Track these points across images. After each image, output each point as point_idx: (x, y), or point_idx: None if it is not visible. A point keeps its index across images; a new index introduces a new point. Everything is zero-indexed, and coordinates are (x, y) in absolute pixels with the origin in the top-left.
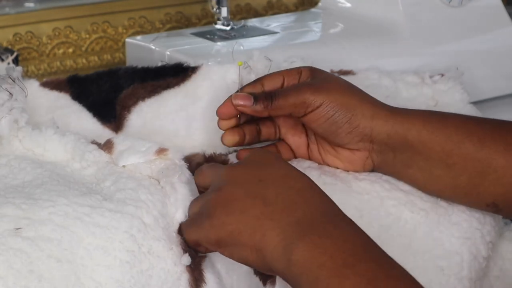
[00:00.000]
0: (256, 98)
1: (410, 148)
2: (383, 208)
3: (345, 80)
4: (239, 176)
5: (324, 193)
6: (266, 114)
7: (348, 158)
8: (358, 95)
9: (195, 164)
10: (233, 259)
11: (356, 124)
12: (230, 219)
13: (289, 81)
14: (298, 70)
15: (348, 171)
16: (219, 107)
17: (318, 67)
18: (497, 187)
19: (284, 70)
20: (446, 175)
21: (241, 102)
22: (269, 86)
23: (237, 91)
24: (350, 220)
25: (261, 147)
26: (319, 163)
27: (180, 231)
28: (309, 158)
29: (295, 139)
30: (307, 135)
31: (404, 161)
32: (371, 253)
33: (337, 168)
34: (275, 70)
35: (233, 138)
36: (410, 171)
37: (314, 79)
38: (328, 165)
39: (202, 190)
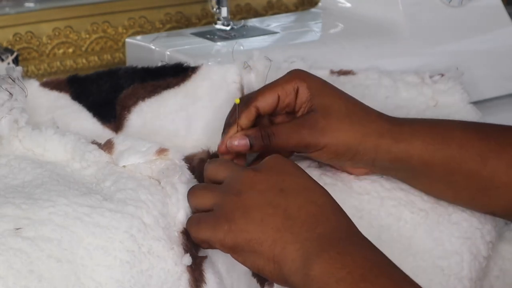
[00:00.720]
0: (252, 141)
1: (412, 169)
2: (383, 208)
3: (345, 104)
4: (260, 182)
5: (342, 210)
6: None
7: (348, 171)
8: (360, 126)
9: (198, 160)
10: (246, 265)
11: (360, 158)
12: (250, 227)
13: (284, 99)
14: (294, 87)
15: None
16: (218, 146)
17: (317, 66)
18: (498, 201)
19: (279, 86)
20: (447, 189)
21: (237, 145)
22: (264, 108)
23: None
24: (366, 238)
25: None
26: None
27: (184, 231)
28: None
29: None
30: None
31: (405, 178)
32: (387, 270)
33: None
34: (275, 70)
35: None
36: (411, 183)
37: (316, 104)
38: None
39: (208, 182)
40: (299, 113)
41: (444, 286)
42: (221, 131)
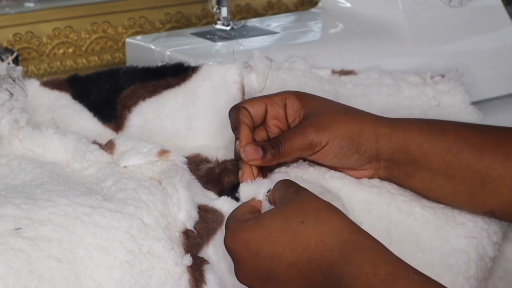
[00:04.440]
0: (264, 149)
1: (413, 161)
2: (394, 203)
3: (337, 104)
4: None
5: None
6: (275, 163)
7: (354, 175)
8: (358, 118)
9: (207, 169)
10: None
11: (363, 150)
12: None
13: (272, 110)
14: (282, 97)
15: None
16: (238, 153)
17: (318, 66)
18: (495, 196)
19: (266, 97)
20: (446, 184)
21: (251, 157)
22: (252, 112)
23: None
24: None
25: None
26: None
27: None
28: None
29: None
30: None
31: (407, 173)
32: None
33: None
34: (276, 70)
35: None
36: (411, 181)
37: (309, 109)
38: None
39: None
40: (295, 123)
41: (452, 284)
42: (221, 131)
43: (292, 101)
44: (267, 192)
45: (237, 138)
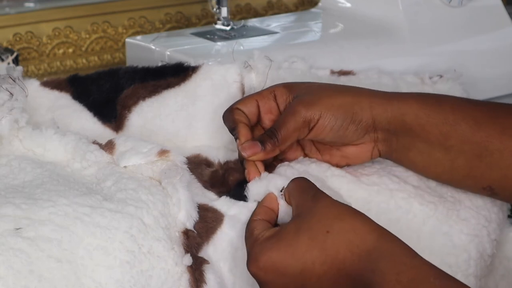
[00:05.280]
0: (262, 141)
1: (410, 131)
2: (393, 201)
3: (327, 83)
4: None
5: None
6: (277, 152)
7: (355, 153)
8: (350, 91)
9: (210, 173)
10: None
11: (359, 119)
12: None
13: (264, 104)
14: (271, 90)
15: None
16: (243, 152)
17: (318, 66)
18: (493, 171)
19: (256, 94)
20: (444, 157)
21: (251, 152)
22: (246, 111)
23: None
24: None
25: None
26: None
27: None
28: None
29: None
30: (303, 150)
31: (405, 145)
32: None
33: (346, 166)
34: (276, 70)
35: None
36: (410, 154)
37: (296, 93)
38: (336, 166)
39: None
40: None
41: None
42: (221, 131)
43: (281, 91)
44: (281, 191)
45: (236, 138)
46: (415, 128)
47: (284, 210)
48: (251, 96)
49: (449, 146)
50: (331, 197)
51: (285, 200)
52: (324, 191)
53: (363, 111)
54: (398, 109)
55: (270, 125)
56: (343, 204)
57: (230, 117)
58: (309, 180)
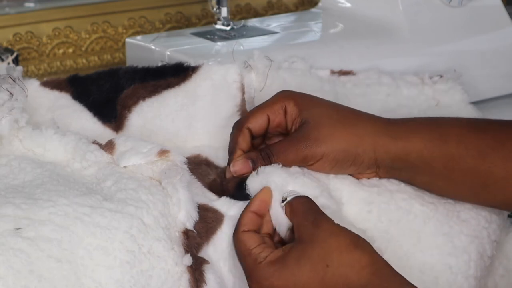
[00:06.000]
0: (254, 161)
1: (413, 167)
2: (393, 201)
3: (336, 110)
4: None
5: None
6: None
7: (355, 177)
8: (355, 129)
9: (211, 181)
10: None
11: (361, 161)
12: None
13: (274, 119)
14: (282, 105)
15: None
16: (226, 174)
17: (318, 66)
18: (498, 196)
19: (267, 107)
20: (448, 186)
21: (239, 170)
22: (255, 129)
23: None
24: None
25: None
26: None
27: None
28: None
29: None
30: None
31: (408, 177)
32: None
33: None
34: (275, 70)
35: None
36: (413, 183)
37: (306, 116)
38: None
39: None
40: (292, 130)
41: (451, 284)
42: (221, 131)
43: (291, 108)
44: (283, 201)
45: (229, 162)
46: (418, 165)
47: (282, 218)
48: (262, 110)
49: (453, 178)
50: (332, 222)
51: (286, 214)
52: (325, 195)
53: (365, 154)
54: (402, 150)
55: (275, 139)
56: (342, 231)
57: (235, 138)
58: (312, 201)
